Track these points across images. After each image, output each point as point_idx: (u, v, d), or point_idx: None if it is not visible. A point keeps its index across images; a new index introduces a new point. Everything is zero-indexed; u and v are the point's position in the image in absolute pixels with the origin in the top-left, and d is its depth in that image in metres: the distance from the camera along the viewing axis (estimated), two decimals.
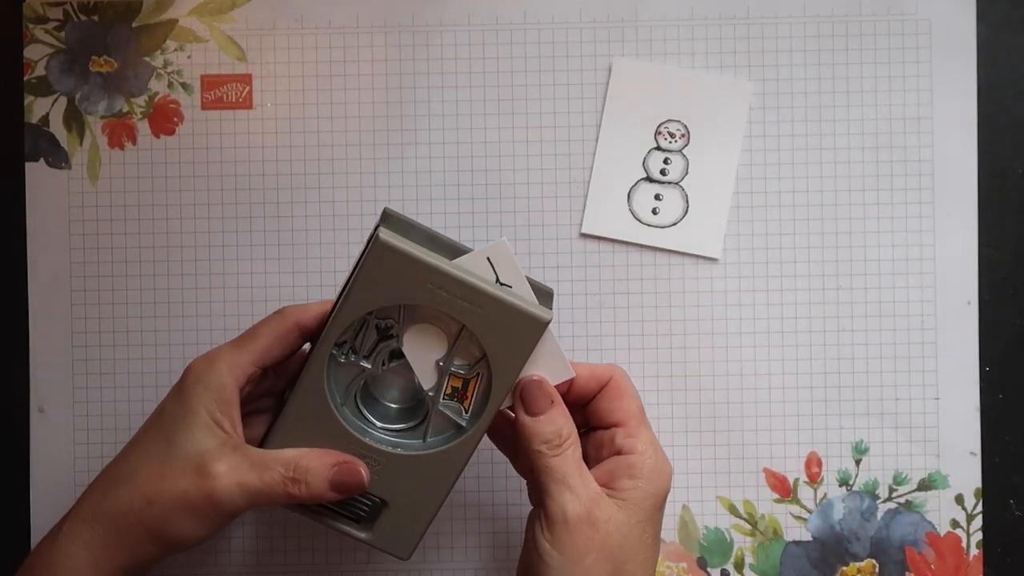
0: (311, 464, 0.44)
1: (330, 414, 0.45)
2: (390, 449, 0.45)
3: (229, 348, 0.45)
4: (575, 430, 0.45)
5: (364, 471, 0.44)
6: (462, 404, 0.46)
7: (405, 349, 0.45)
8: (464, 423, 0.45)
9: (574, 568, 0.42)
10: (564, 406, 0.45)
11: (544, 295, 0.45)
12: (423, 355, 0.45)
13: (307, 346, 0.47)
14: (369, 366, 0.45)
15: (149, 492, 0.43)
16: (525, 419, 0.44)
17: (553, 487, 0.43)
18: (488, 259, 0.44)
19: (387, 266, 0.43)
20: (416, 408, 0.47)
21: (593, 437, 0.47)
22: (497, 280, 0.44)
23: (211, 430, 0.44)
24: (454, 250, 0.44)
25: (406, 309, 0.44)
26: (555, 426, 0.44)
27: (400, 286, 0.43)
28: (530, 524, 0.45)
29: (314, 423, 0.45)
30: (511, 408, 0.45)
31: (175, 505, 0.43)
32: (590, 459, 0.46)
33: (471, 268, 0.43)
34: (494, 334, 0.43)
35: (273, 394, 0.49)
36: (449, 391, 0.45)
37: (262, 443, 0.45)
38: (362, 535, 0.47)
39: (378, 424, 0.46)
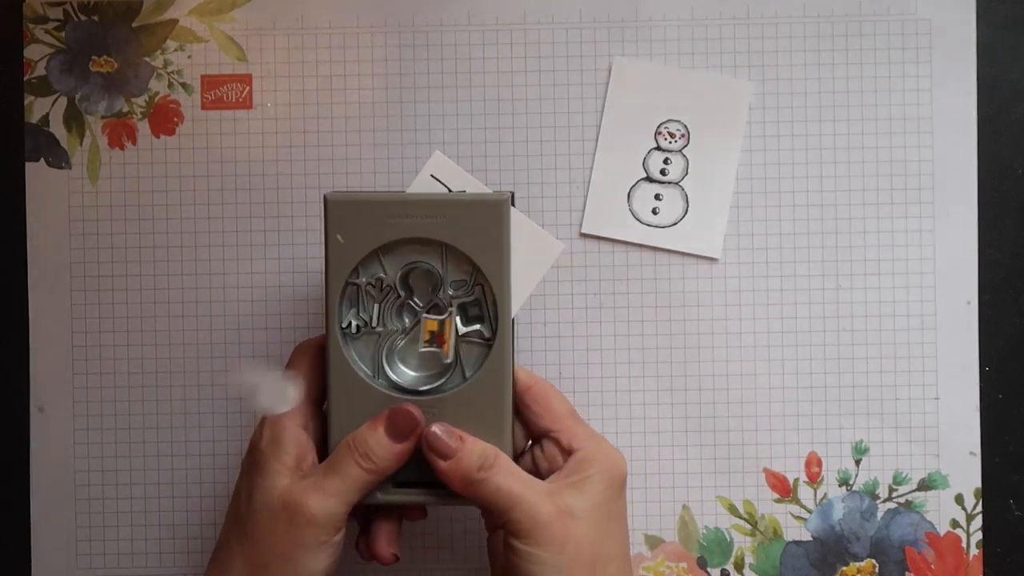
0: (363, 431, 0.44)
1: (369, 389, 0.45)
2: (441, 395, 0.46)
3: None
4: (493, 448, 0.45)
5: (413, 408, 0.45)
6: (481, 325, 0.46)
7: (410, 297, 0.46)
8: (488, 332, 0.46)
9: (560, 558, 0.43)
10: (471, 436, 0.45)
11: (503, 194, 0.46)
12: (426, 296, 0.46)
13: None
14: (382, 328, 0.46)
15: (265, 558, 0.43)
16: (445, 465, 0.44)
17: (511, 501, 0.43)
18: (432, 175, 0.46)
19: (347, 221, 0.44)
20: (446, 365, 0.47)
21: (544, 453, 0.47)
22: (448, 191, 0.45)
23: (293, 478, 0.44)
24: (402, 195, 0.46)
25: (386, 257, 0.45)
26: (476, 452, 0.44)
27: (366, 234, 0.44)
28: (496, 547, 0.46)
29: (359, 405, 0.45)
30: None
31: (292, 554, 0.43)
32: (545, 474, 0.47)
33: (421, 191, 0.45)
34: (468, 236, 0.45)
35: None
36: (465, 322, 0.46)
37: (327, 452, 0.46)
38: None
39: (420, 388, 0.46)
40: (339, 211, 0.45)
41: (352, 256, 0.45)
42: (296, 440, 0.45)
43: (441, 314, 0.46)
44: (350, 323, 0.46)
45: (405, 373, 0.47)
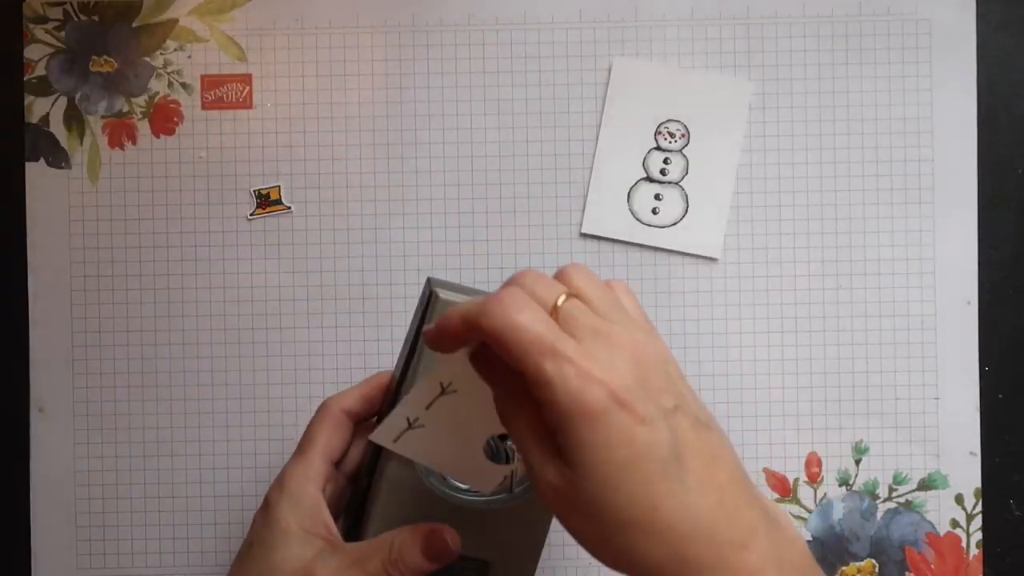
0: (403, 542, 0.43)
1: (419, 484, 0.44)
2: (484, 507, 0.45)
3: (294, 461, 0.45)
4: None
5: (450, 536, 0.43)
6: None
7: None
8: None
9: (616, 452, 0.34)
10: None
11: None
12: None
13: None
14: None
15: None
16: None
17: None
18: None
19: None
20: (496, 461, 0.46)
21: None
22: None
23: (308, 541, 0.43)
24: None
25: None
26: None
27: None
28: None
29: (406, 497, 0.44)
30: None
31: None
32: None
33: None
34: None
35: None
36: None
37: (359, 532, 0.45)
38: None
39: (464, 487, 0.45)
40: (442, 310, 0.41)
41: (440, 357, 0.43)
42: (314, 503, 0.44)
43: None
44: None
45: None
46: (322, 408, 0.46)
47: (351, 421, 0.46)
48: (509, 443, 0.44)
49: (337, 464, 0.46)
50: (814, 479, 0.57)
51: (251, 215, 0.57)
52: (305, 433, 0.46)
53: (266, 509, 0.44)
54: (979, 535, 0.56)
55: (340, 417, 0.45)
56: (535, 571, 0.46)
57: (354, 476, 0.47)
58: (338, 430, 0.45)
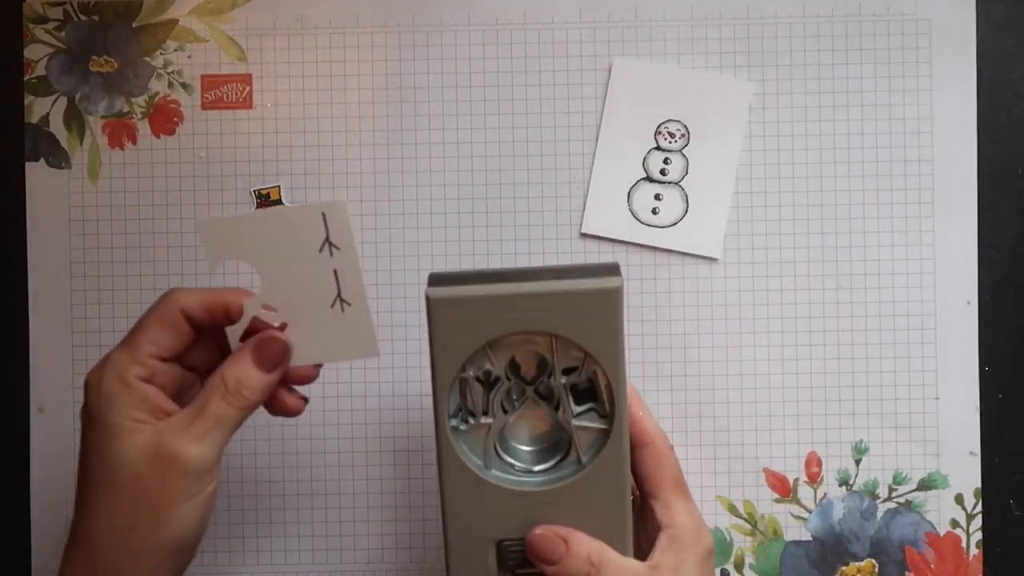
0: (232, 367, 0.42)
1: (483, 483, 0.44)
2: (557, 485, 0.44)
3: (119, 351, 0.43)
4: (600, 545, 0.44)
5: (279, 334, 0.42)
6: (595, 404, 0.44)
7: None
8: (605, 425, 0.44)
9: None
10: (579, 534, 0.44)
11: (611, 267, 0.43)
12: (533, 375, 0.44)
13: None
14: (492, 420, 0.44)
15: (133, 518, 0.41)
16: (551, 570, 0.43)
17: None
18: (323, 216, 0.42)
19: (450, 319, 0.42)
20: (559, 441, 0.45)
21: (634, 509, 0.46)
22: (327, 239, 0.42)
23: (138, 430, 0.41)
24: (508, 274, 0.43)
25: (492, 348, 0.43)
26: (582, 556, 0.43)
27: (472, 330, 0.42)
28: None
29: (473, 497, 0.44)
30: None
31: (163, 508, 0.41)
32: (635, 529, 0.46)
33: (295, 225, 0.42)
34: (579, 325, 0.42)
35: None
36: (577, 402, 0.44)
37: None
38: None
39: (535, 469, 0.45)
40: (443, 310, 0.42)
41: (459, 354, 0.42)
42: (142, 395, 0.42)
43: (551, 398, 0.44)
44: (460, 417, 0.44)
45: (521, 452, 0.45)
46: (162, 300, 0.43)
47: (188, 323, 0.43)
48: (573, 422, 0.44)
49: (171, 359, 0.43)
50: (814, 479, 0.57)
51: None
52: (138, 322, 0.43)
53: (92, 413, 0.42)
54: (979, 535, 0.56)
55: (177, 316, 0.43)
56: (630, 540, 0.45)
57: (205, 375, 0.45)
58: (172, 328, 0.43)
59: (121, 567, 0.41)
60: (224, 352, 0.44)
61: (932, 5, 0.56)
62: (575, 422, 0.44)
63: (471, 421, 0.44)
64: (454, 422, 0.44)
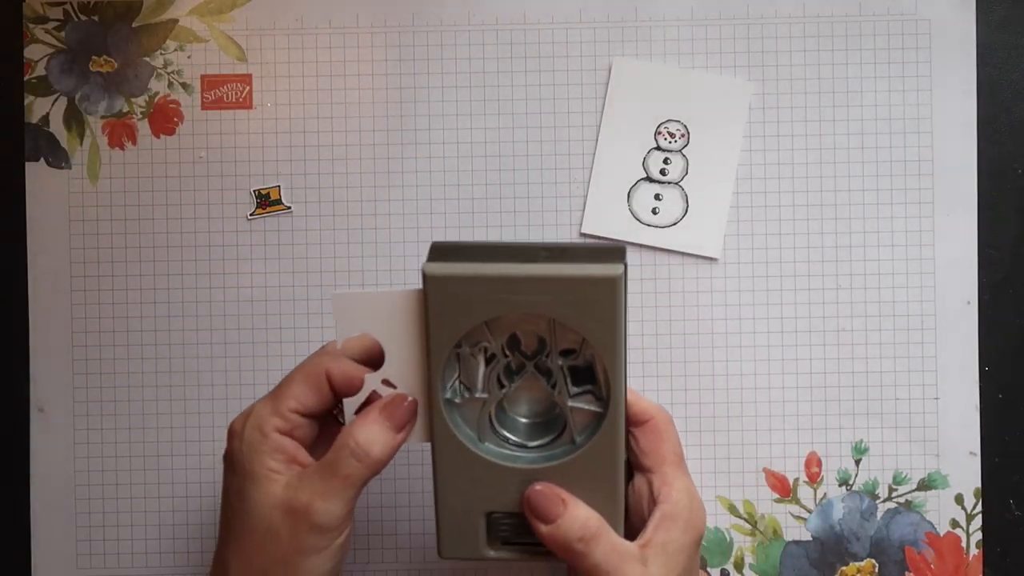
0: (362, 429, 0.43)
1: (475, 457, 0.44)
2: (550, 464, 0.44)
3: (262, 401, 0.44)
4: (598, 517, 0.44)
5: (408, 398, 0.44)
6: (592, 386, 0.44)
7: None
8: (601, 409, 0.44)
9: None
10: (579, 500, 0.44)
11: (615, 251, 0.43)
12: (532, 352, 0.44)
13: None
14: (486, 395, 0.44)
15: (264, 567, 0.43)
16: (546, 529, 0.43)
17: None
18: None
19: (447, 296, 0.42)
20: (554, 419, 0.45)
21: (633, 485, 0.46)
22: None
23: (275, 480, 0.43)
24: (511, 251, 0.42)
25: (490, 326, 0.43)
26: (578, 519, 0.43)
27: (469, 309, 0.42)
28: None
29: (465, 473, 0.44)
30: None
31: (294, 560, 0.42)
32: (631, 507, 0.46)
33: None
34: (579, 311, 0.42)
35: None
36: (574, 382, 0.44)
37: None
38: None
39: (529, 445, 0.45)
40: (439, 287, 0.41)
41: (455, 331, 0.42)
42: (279, 446, 0.43)
43: (549, 375, 0.44)
44: (455, 390, 0.44)
45: (518, 424, 0.45)
46: (312, 358, 0.45)
47: (329, 385, 0.44)
48: (568, 403, 0.44)
49: (311, 416, 0.45)
50: (814, 479, 0.57)
51: (251, 215, 0.57)
52: (288, 376, 0.45)
53: (233, 464, 0.44)
54: (979, 535, 0.56)
55: (321, 378, 0.44)
56: (623, 516, 0.45)
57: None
58: (316, 389, 0.44)
59: None
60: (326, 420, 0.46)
61: (932, 5, 0.56)
62: (571, 403, 0.44)
63: (466, 395, 0.44)
64: (449, 394, 0.44)
